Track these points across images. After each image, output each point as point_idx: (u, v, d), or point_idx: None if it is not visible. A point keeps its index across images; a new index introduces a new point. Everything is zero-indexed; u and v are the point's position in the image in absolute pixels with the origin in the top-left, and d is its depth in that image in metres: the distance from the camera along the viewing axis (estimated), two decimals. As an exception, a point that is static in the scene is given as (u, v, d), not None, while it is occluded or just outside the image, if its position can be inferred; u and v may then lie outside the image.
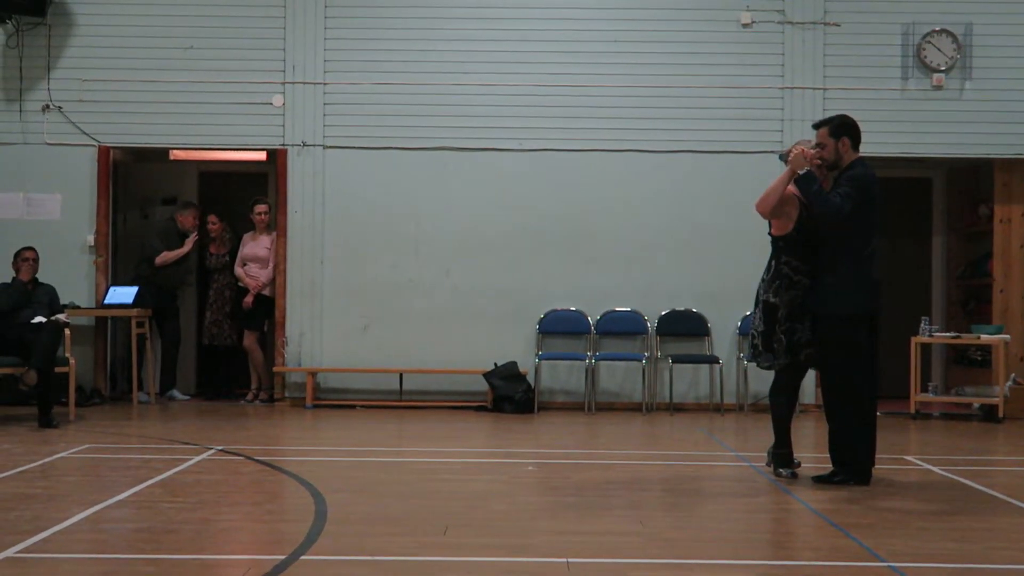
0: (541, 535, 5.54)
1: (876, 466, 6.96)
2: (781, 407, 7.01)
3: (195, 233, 11.43)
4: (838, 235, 6.68)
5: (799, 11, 11.15)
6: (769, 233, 6.95)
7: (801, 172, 6.64)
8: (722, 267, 11.11)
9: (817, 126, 6.95)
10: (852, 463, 6.84)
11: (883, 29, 11.16)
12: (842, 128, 6.81)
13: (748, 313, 11.11)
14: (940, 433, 9.82)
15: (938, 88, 11.16)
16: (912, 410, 10.57)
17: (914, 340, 10.62)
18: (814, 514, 6.01)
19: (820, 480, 6.85)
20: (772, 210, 6.77)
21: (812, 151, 6.71)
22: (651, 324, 11.07)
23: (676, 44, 11.20)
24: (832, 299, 6.69)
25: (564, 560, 4.89)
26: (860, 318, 6.75)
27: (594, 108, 11.09)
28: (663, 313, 11.10)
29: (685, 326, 11.14)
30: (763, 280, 6.90)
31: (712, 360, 10.94)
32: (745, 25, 11.18)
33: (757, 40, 11.18)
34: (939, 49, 11.12)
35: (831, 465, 6.92)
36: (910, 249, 12.45)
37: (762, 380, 11.04)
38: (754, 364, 7.16)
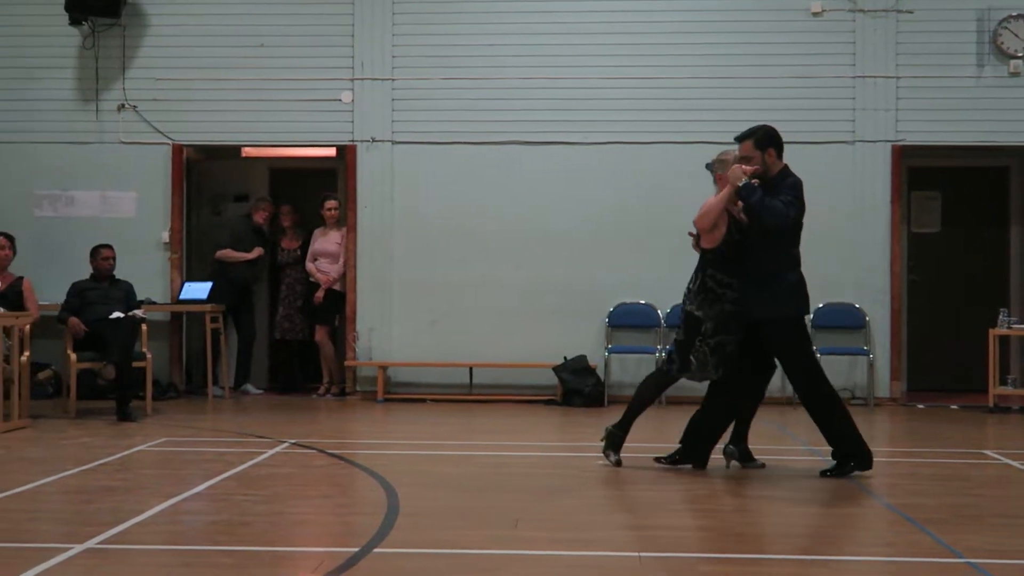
0: (612, 529, 5.53)
1: (954, 460, 6.85)
2: (647, 401, 7.11)
3: (261, 249, 11.51)
4: (776, 242, 6.74)
5: (871, -1, 10.99)
6: (696, 246, 6.96)
7: (741, 184, 6.64)
8: (793, 259, 10.97)
9: (740, 139, 6.94)
10: (852, 451, 6.81)
11: (957, 15, 10.95)
12: (767, 139, 6.87)
13: (821, 305, 11.02)
14: (1019, 427, 9.62)
15: (1015, 75, 10.91)
16: (990, 403, 10.37)
17: (992, 332, 10.41)
18: (889, 509, 5.93)
19: (828, 473, 6.82)
20: (711, 225, 6.79)
21: (749, 167, 6.72)
22: (721, 317, 10.97)
23: (745, 35, 11.09)
24: (777, 304, 6.71)
25: (636, 554, 4.88)
26: (800, 319, 6.88)
27: (662, 100, 11.01)
28: (733, 306, 10.99)
29: (756, 319, 11.02)
30: (688, 290, 6.91)
31: (783, 353, 10.81)
32: (815, 14, 11.03)
33: (827, 29, 11.03)
34: (1016, 35, 10.88)
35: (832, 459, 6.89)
36: (987, 240, 12.19)
37: (835, 373, 10.88)
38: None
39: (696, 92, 11.00)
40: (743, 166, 6.72)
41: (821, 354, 10.74)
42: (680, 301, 10.55)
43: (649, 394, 7.15)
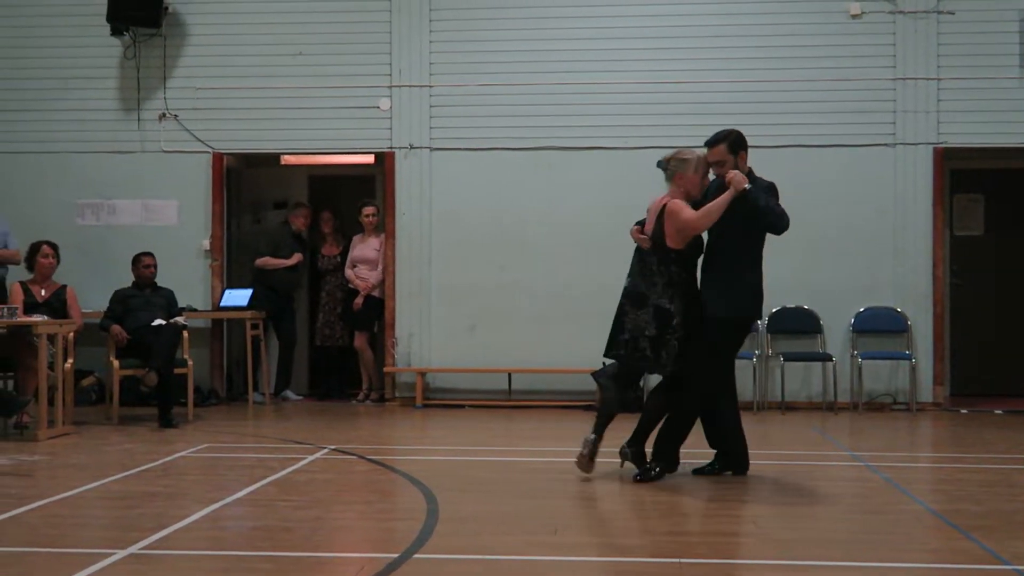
0: (652, 536, 5.51)
1: (999, 466, 6.77)
2: (660, 409, 6.99)
3: (300, 255, 11.58)
4: (744, 244, 6.79)
5: (911, 0, 10.88)
6: (647, 243, 6.84)
7: (749, 187, 6.64)
8: (833, 263, 10.92)
9: (712, 143, 6.91)
10: (732, 452, 7.02)
11: (999, 16, 10.82)
12: (738, 143, 6.90)
13: (862, 309, 10.93)
14: (1065, 432, 9.49)
15: (1059, 75, 10.79)
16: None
17: (1037, 336, 10.28)
18: (932, 515, 5.86)
19: (702, 472, 6.97)
20: (708, 227, 6.76)
21: (743, 175, 6.71)
22: (762, 322, 10.91)
23: (784, 37, 11.03)
24: (734, 304, 6.77)
25: (676, 560, 4.85)
26: (749, 321, 7.01)
27: (700, 104, 10.96)
28: (774, 310, 10.93)
29: (797, 323, 10.97)
30: (645, 283, 6.79)
31: (825, 358, 10.75)
32: (854, 16, 10.95)
33: (867, 31, 10.94)
34: (1059, 35, 10.74)
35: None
36: (1030, 243, 12.05)
37: (877, 378, 10.86)
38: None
39: (735, 96, 10.96)
40: (742, 175, 6.69)
41: (862, 359, 10.70)
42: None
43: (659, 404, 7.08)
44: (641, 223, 7.03)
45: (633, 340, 6.83)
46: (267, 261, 11.50)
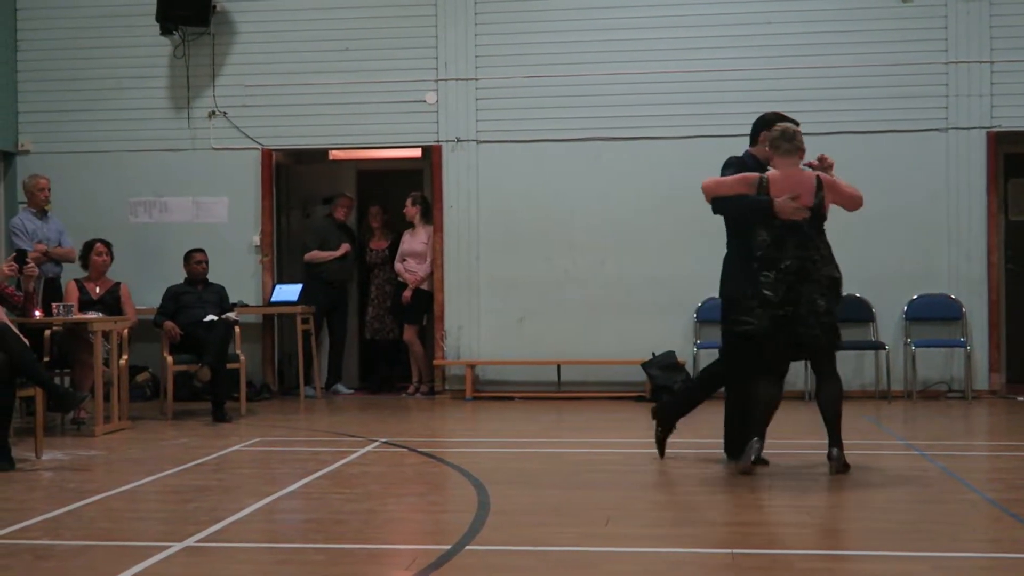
0: (704, 526, 5.49)
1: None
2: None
3: (348, 245, 11.63)
4: None
5: (963, -18, 10.72)
6: (816, 214, 6.68)
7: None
8: (886, 250, 10.79)
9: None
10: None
11: (1054, -4, 10.65)
12: None
13: (916, 296, 10.80)
14: None
15: (1116, 56, 10.58)
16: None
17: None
18: (990, 504, 5.78)
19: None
20: None
21: None
22: (812, 310, 10.80)
23: (833, 23, 10.91)
24: None
25: (729, 551, 4.83)
26: None
27: (749, 92, 10.85)
28: (825, 299, 10.82)
29: (849, 312, 10.81)
30: (809, 255, 6.56)
31: (878, 346, 10.63)
32: (905, 0, 10.80)
33: (919, 15, 10.79)
34: (1116, 14, 10.53)
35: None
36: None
37: (932, 366, 10.72)
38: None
39: (785, 83, 10.84)
40: None
41: (916, 346, 10.57)
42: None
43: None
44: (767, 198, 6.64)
45: (808, 315, 6.52)
46: (315, 255, 11.58)
